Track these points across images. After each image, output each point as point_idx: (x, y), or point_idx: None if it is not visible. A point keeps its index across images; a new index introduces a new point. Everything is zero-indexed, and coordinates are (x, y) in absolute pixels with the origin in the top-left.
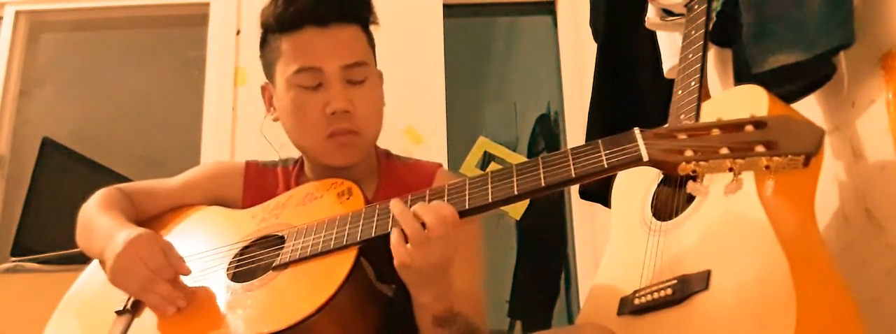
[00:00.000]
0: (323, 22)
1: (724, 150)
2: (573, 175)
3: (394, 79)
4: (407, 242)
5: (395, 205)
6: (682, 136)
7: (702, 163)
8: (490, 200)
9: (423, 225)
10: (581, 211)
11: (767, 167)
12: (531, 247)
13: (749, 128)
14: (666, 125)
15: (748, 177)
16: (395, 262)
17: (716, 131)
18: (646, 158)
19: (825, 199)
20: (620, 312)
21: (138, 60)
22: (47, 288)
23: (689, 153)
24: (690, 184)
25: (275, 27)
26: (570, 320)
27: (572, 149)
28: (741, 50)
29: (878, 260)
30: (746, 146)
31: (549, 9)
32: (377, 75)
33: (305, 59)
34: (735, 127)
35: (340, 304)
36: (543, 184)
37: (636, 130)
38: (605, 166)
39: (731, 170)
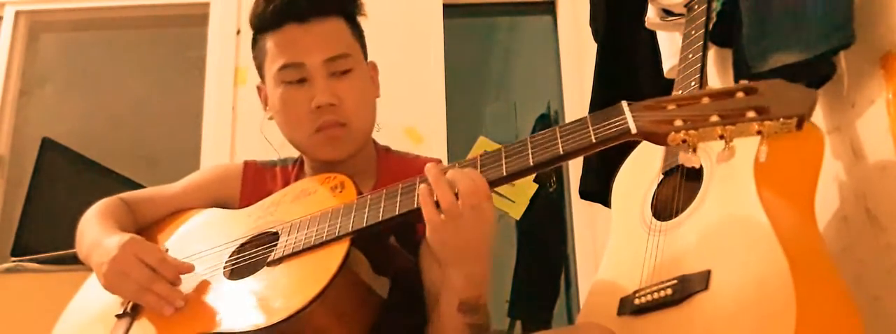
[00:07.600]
0: (302, 18)
1: (715, 118)
2: (561, 152)
3: (394, 79)
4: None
5: (430, 170)
6: (671, 106)
7: (692, 131)
8: None
9: (456, 195)
10: (581, 211)
11: (759, 132)
12: (531, 247)
13: (740, 94)
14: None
15: (749, 178)
16: (428, 233)
17: (706, 99)
18: (634, 131)
19: (825, 199)
20: (620, 312)
21: (138, 60)
22: (47, 288)
23: (678, 122)
24: (682, 154)
25: (259, 27)
26: (570, 320)
27: (560, 126)
28: (741, 50)
29: (878, 260)
30: (737, 112)
31: (549, 9)
32: (365, 66)
33: (288, 54)
34: (725, 94)
35: (335, 295)
36: (531, 164)
37: (624, 103)
38: (593, 141)
39: (722, 137)
